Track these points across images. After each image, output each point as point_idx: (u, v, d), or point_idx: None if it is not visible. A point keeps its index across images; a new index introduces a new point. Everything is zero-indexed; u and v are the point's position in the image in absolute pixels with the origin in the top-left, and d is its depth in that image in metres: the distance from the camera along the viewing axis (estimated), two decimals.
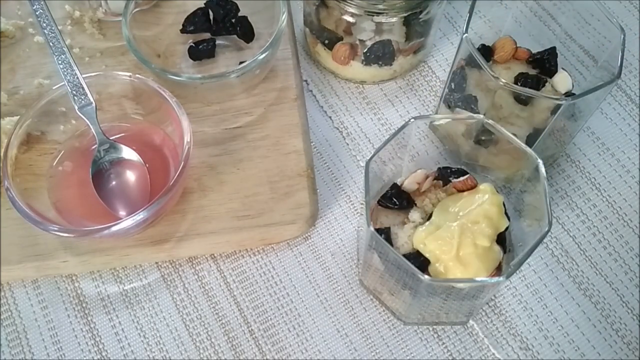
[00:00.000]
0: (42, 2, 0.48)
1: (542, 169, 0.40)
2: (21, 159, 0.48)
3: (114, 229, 0.44)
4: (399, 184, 0.47)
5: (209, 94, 0.55)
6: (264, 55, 0.50)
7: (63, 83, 0.48)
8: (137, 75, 0.50)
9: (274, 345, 0.47)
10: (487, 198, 0.43)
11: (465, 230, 0.41)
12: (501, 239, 0.43)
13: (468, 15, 0.46)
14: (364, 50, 0.54)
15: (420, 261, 0.42)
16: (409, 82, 0.59)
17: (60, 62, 0.48)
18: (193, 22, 0.56)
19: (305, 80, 0.59)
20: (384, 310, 0.48)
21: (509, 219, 0.44)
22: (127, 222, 0.44)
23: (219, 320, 0.48)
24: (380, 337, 0.48)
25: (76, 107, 0.48)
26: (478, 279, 0.40)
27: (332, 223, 0.52)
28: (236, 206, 0.50)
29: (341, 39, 0.55)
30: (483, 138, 0.47)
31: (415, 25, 0.53)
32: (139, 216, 0.44)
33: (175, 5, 0.57)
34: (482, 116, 0.43)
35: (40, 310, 0.49)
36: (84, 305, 0.49)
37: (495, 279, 0.38)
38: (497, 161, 0.49)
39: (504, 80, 0.44)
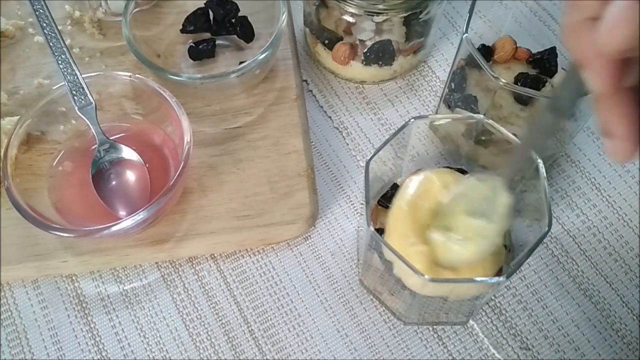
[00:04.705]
0: (42, 2, 0.48)
1: (542, 169, 0.40)
2: (21, 159, 0.48)
3: (114, 229, 0.44)
4: (399, 184, 0.47)
5: (209, 94, 0.55)
6: (264, 55, 0.50)
7: (63, 83, 0.48)
8: (137, 75, 0.50)
9: (274, 345, 0.47)
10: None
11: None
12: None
13: (468, 15, 0.46)
14: (364, 50, 0.54)
15: None
16: (409, 82, 0.59)
17: (60, 62, 0.48)
18: (193, 22, 0.56)
19: (305, 80, 0.59)
20: (384, 310, 0.48)
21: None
22: (127, 222, 0.44)
23: (219, 320, 0.48)
24: (380, 337, 0.48)
25: (76, 107, 0.48)
26: (478, 279, 0.40)
27: (332, 223, 0.52)
28: (236, 206, 0.50)
29: (341, 39, 0.55)
30: (483, 138, 0.47)
31: (415, 25, 0.53)
32: (139, 216, 0.44)
33: (175, 5, 0.57)
34: (482, 116, 0.43)
35: (40, 310, 0.49)
36: (84, 305, 0.49)
37: (495, 279, 0.38)
38: (497, 161, 0.49)
39: (504, 80, 0.44)
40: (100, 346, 0.48)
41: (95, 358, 0.47)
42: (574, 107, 0.35)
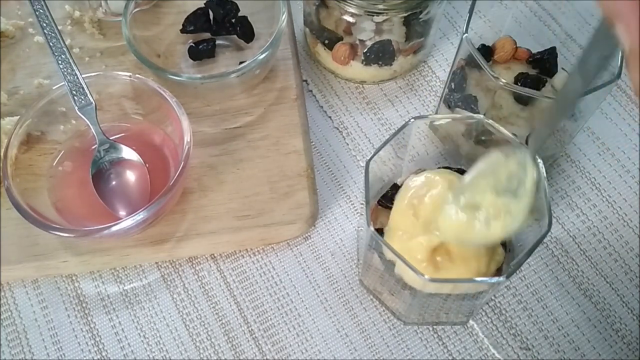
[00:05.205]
0: (42, 2, 0.48)
1: (542, 169, 0.40)
2: (21, 159, 0.48)
3: (114, 229, 0.44)
4: (399, 184, 0.46)
5: (209, 94, 0.55)
6: (264, 55, 0.50)
7: (63, 83, 0.48)
8: (137, 75, 0.50)
9: (274, 345, 0.47)
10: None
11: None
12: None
13: (468, 15, 0.46)
14: (364, 50, 0.54)
15: None
16: (409, 82, 0.59)
17: (60, 62, 0.48)
18: (193, 22, 0.56)
19: (305, 80, 0.59)
20: (384, 310, 0.48)
21: None
22: (127, 222, 0.44)
23: (219, 320, 0.48)
24: (380, 337, 0.48)
25: (76, 107, 0.48)
26: (478, 279, 0.40)
27: (332, 223, 0.52)
28: (236, 206, 0.50)
29: (341, 39, 0.55)
30: (483, 138, 0.47)
31: (415, 25, 0.53)
32: (139, 216, 0.44)
33: (175, 5, 0.57)
34: (482, 116, 0.43)
35: (40, 310, 0.49)
36: (84, 305, 0.49)
37: (495, 279, 0.38)
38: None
39: (504, 80, 0.44)
40: (100, 346, 0.48)
41: (95, 358, 0.47)
42: (604, 69, 0.32)
